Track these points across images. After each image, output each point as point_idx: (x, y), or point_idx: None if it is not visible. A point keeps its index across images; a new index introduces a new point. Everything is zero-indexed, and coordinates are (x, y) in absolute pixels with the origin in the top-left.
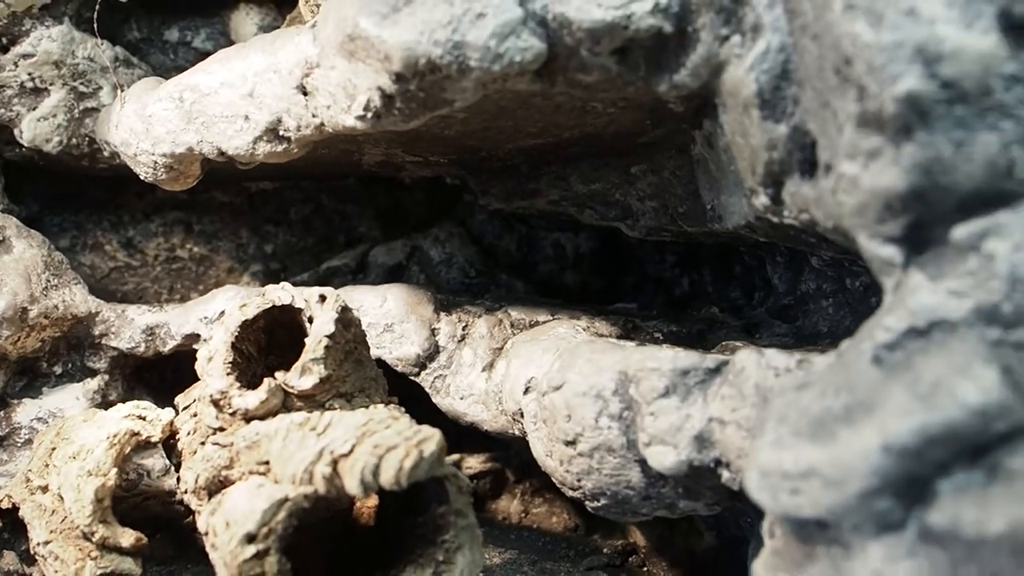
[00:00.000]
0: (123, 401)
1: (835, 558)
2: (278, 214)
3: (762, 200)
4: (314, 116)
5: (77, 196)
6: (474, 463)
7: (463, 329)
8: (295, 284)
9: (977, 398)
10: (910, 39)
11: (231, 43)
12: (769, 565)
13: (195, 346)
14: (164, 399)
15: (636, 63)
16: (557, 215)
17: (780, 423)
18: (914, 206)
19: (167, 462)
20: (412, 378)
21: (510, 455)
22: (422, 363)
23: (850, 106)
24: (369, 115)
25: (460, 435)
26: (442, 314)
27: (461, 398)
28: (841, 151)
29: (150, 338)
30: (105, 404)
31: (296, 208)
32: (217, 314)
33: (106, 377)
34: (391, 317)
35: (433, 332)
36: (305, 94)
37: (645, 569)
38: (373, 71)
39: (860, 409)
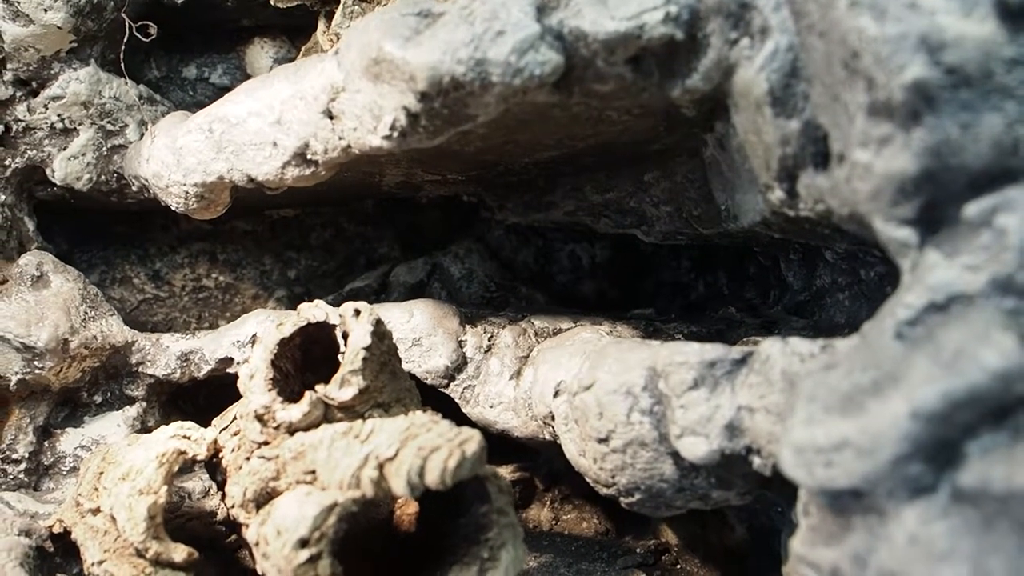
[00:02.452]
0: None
1: (872, 526)
2: (299, 240)
3: (778, 195)
4: (341, 139)
5: (104, 232)
6: (502, 473)
7: (489, 340)
8: None
9: (998, 362)
10: (913, 30)
11: (247, 77)
12: (807, 541)
13: (229, 370)
14: (199, 424)
15: (650, 70)
16: (573, 225)
17: (810, 402)
18: (926, 188)
19: (206, 484)
20: (441, 390)
21: (538, 464)
22: (451, 375)
23: (860, 97)
24: (395, 134)
25: (487, 446)
26: (467, 326)
27: (491, 407)
28: (853, 140)
29: (185, 364)
30: (144, 430)
31: (317, 233)
32: (249, 338)
33: (144, 404)
34: (419, 331)
35: (460, 344)
36: (331, 118)
37: (679, 567)
38: (398, 91)
39: (887, 381)
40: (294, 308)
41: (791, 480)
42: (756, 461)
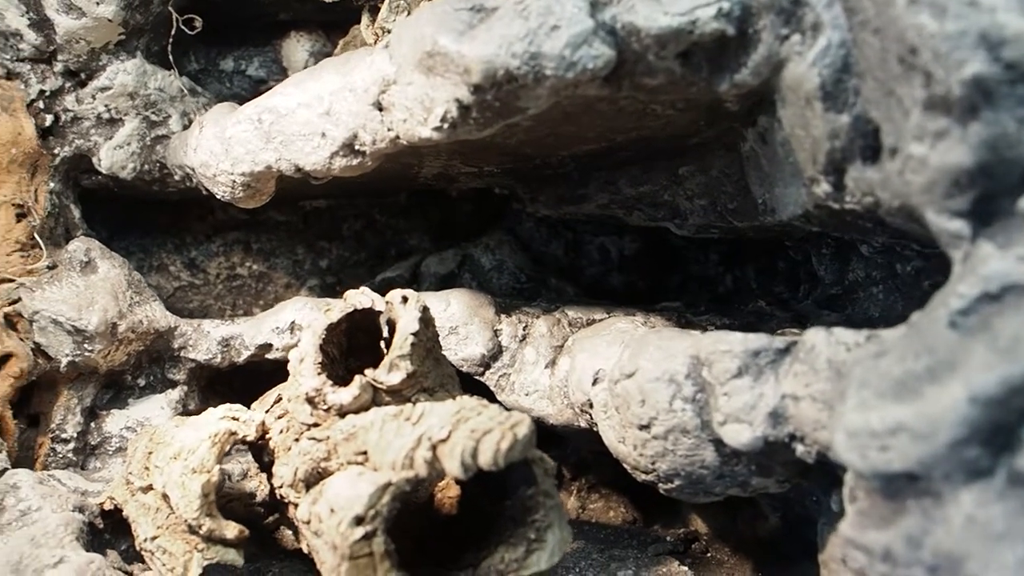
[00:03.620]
0: (200, 410)
1: (927, 508)
2: (332, 230)
3: (824, 188)
4: (390, 130)
5: (142, 220)
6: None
7: (524, 329)
8: None
9: None
10: (973, 27)
11: (283, 70)
12: (856, 524)
13: (267, 356)
14: None
15: (699, 65)
16: (605, 219)
17: (862, 388)
18: (981, 180)
19: (245, 466)
20: (477, 378)
21: (566, 453)
22: (486, 363)
23: (916, 92)
24: (445, 126)
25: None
26: (503, 316)
27: (526, 394)
28: (908, 134)
29: (225, 349)
30: (185, 413)
31: (349, 224)
32: (287, 324)
33: (185, 388)
34: (455, 320)
35: (496, 333)
36: (381, 110)
37: (709, 555)
38: (451, 84)
39: (942, 368)
40: (326, 297)
41: (843, 464)
42: (799, 448)
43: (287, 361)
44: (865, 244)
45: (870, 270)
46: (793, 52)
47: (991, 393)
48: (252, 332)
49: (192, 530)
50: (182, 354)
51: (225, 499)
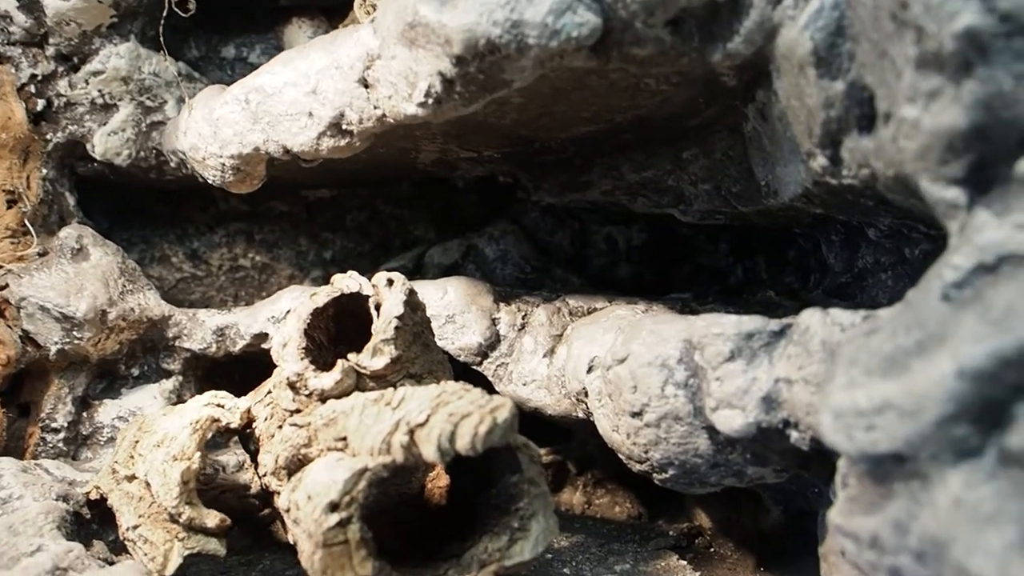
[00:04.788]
0: None
1: (914, 491)
2: (335, 221)
3: (820, 161)
4: (376, 108)
5: (144, 212)
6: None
7: (523, 318)
8: None
9: None
10: None
11: None
12: (845, 511)
13: (264, 346)
14: None
15: (690, 33)
16: (610, 206)
17: (851, 365)
18: (976, 144)
19: (240, 458)
20: (474, 367)
21: (571, 448)
22: (484, 352)
23: (908, 49)
24: (430, 101)
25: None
26: (501, 304)
27: (524, 384)
28: (901, 96)
29: (221, 339)
30: (180, 403)
31: (352, 215)
32: (284, 313)
33: (180, 378)
34: (452, 308)
35: (494, 322)
36: (366, 87)
37: (712, 550)
38: (434, 56)
39: (932, 342)
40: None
41: (830, 446)
42: (793, 435)
43: None
44: (872, 228)
45: (879, 256)
46: (786, 16)
47: (980, 367)
48: (248, 321)
49: (173, 519)
50: (177, 343)
51: (218, 490)
